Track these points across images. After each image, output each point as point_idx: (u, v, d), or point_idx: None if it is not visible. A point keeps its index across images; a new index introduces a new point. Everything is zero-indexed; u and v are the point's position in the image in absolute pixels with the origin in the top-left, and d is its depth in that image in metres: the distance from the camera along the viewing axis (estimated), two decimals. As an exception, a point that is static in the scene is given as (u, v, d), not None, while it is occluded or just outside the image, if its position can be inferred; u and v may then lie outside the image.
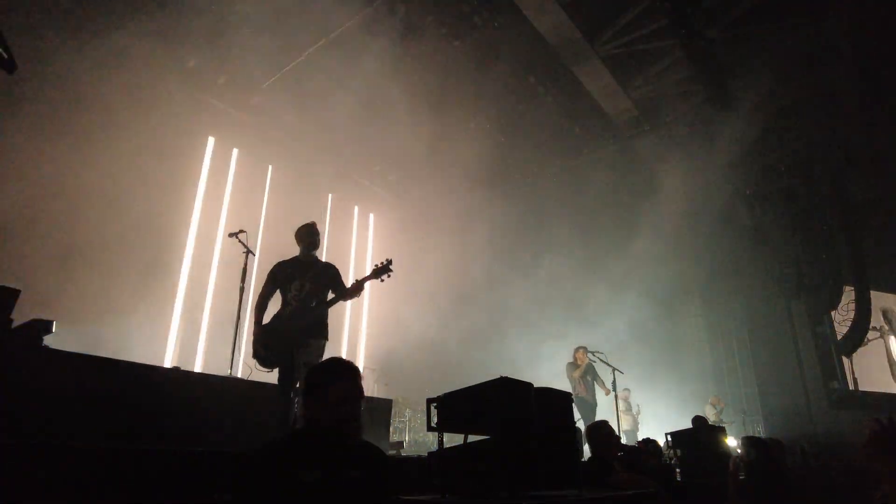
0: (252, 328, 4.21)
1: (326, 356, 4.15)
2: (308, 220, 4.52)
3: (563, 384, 7.82)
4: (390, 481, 1.85)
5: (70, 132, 7.15)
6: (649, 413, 11.69)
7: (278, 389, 4.03)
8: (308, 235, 4.39)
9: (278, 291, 4.35)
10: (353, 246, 12.40)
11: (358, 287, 4.09)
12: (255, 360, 4.16)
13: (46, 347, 3.70)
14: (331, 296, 4.26)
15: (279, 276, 4.30)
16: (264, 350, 4.09)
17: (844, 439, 9.69)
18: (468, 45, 8.87)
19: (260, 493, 1.56)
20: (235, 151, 10.21)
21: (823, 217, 10.91)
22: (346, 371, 1.79)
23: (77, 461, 2.27)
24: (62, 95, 7.16)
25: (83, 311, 6.76)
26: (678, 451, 5.11)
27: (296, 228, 4.51)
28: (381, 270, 4.15)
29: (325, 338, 4.17)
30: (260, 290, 4.37)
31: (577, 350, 8.24)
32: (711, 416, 10.33)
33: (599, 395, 8.12)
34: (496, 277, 13.53)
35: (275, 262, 4.46)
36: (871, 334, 12.23)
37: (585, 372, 8.03)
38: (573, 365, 8.15)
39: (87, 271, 7.09)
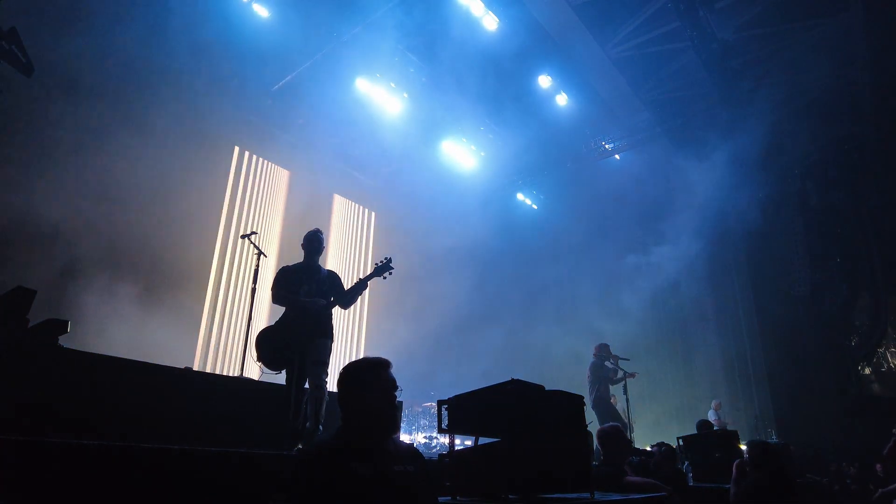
0: (256, 336, 4.22)
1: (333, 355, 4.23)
2: (313, 227, 4.60)
3: (572, 390, 7.61)
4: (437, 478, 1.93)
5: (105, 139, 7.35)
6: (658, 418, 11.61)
7: (287, 389, 4.05)
8: (310, 242, 4.46)
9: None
10: (360, 247, 12.41)
11: (361, 285, 4.21)
12: (260, 364, 4.15)
13: (61, 347, 3.74)
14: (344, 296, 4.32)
15: (287, 280, 4.32)
16: (273, 352, 4.11)
17: (858, 445, 9.53)
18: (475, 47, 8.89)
19: (319, 490, 1.59)
20: (243, 153, 10.29)
21: (838, 221, 10.76)
22: (380, 363, 1.90)
23: (91, 461, 2.28)
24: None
25: (97, 312, 6.85)
26: (691, 456, 5.06)
27: (303, 231, 4.56)
28: (382, 268, 4.25)
29: (332, 338, 4.23)
30: (271, 292, 4.37)
31: (600, 347, 7.35)
32: (717, 422, 10.19)
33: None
34: (504, 282, 13.51)
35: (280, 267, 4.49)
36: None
37: (615, 372, 7.18)
38: (600, 364, 7.20)
39: (110, 273, 7.26)
